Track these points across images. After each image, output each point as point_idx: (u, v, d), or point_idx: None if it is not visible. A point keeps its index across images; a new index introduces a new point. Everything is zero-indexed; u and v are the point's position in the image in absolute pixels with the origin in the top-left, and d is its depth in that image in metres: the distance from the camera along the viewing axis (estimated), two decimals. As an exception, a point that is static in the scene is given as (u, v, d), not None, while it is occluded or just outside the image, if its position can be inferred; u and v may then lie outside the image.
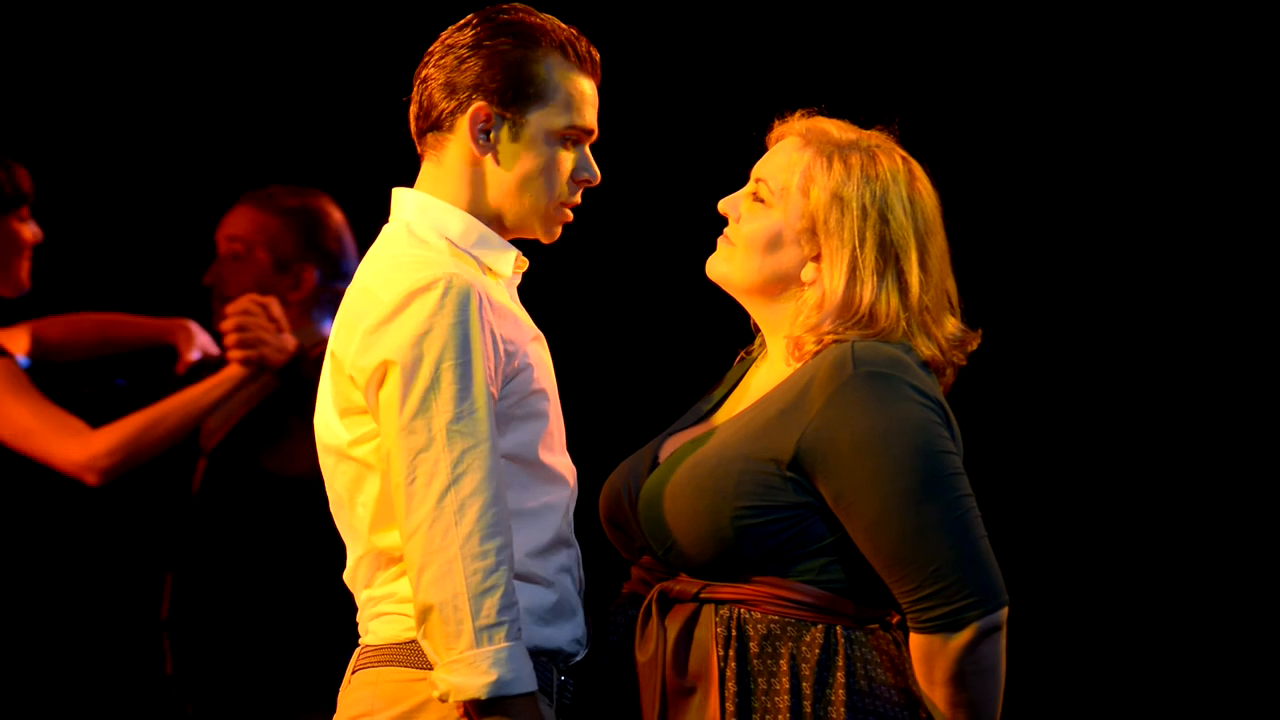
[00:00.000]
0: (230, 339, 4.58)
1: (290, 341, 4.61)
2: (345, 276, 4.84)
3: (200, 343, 4.92)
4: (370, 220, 3.29)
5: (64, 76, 5.65)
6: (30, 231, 4.66)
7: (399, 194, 3.13)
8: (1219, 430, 5.37)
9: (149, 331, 4.97)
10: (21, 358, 4.64)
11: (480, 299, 2.93)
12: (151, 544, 5.04)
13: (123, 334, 4.96)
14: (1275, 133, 5.30)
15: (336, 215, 4.88)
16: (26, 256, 4.66)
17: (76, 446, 4.47)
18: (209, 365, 4.81)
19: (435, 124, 3.08)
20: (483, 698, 2.85)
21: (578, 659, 3.11)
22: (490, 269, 3.09)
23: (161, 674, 4.85)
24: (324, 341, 4.79)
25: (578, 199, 3.12)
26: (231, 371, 4.57)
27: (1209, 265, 5.36)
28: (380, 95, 3.42)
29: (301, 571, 4.64)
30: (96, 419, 4.61)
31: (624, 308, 5.61)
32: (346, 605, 4.51)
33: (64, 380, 4.72)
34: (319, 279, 4.82)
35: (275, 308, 4.60)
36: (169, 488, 4.69)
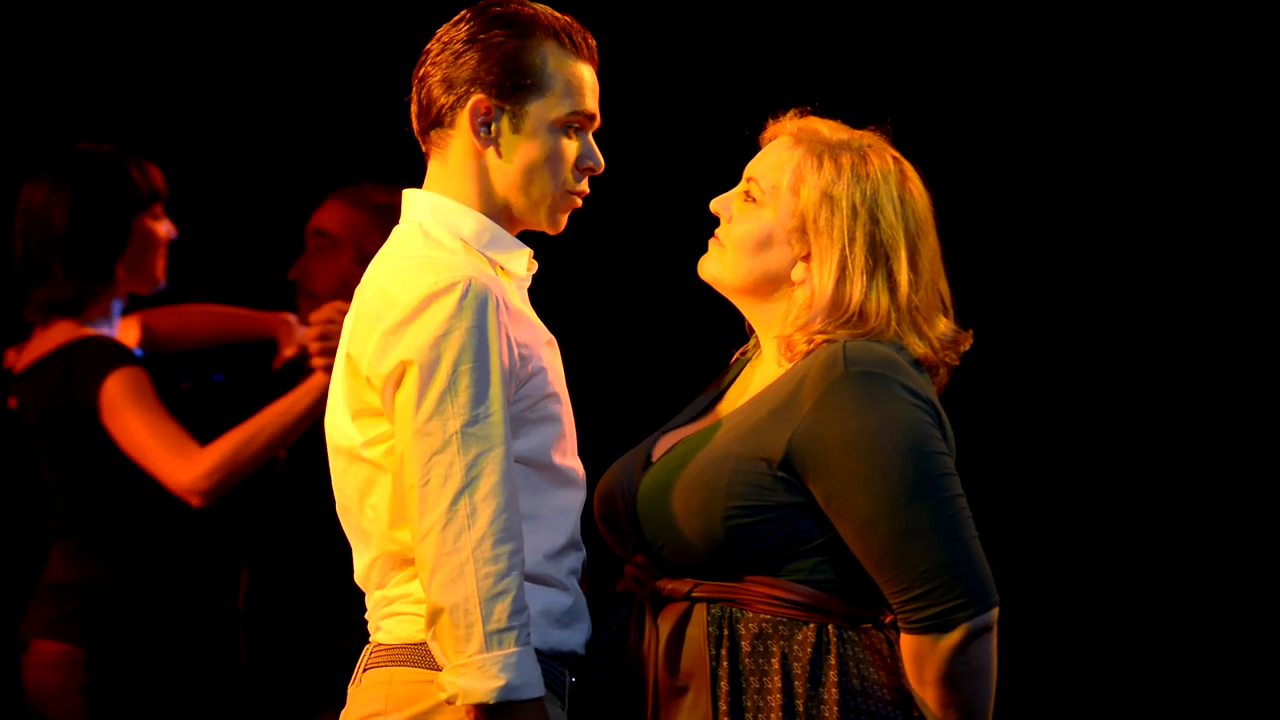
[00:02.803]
0: (314, 347, 4.54)
1: None
2: None
3: (299, 339, 4.92)
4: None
5: (155, 74, 5.67)
6: (164, 228, 4.69)
7: (410, 195, 3.13)
8: (1211, 430, 5.37)
9: (254, 325, 4.99)
10: (133, 350, 4.67)
11: (498, 302, 2.94)
12: (228, 536, 5.05)
13: (229, 326, 4.99)
14: (1272, 132, 5.30)
15: None
16: (161, 253, 4.69)
17: (182, 470, 4.50)
18: (305, 362, 4.80)
19: (436, 120, 3.08)
20: (491, 702, 2.85)
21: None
22: (504, 269, 3.09)
23: (237, 666, 4.86)
24: None
25: (585, 187, 3.12)
26: (317, 380, 4.55)
27: (1201, 265, 5.36)
28: (386, 98, 3.41)
29: None
30: (195, 414, 4.63)
31: (618, 308, 5.61)
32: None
33: (165, 374, 4.73)
34: None
35: None
36: (248, 479, 4.69)
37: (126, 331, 4.74)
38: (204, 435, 4.56)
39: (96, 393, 4.52)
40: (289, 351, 4.92)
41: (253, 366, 5.09)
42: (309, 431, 4.75)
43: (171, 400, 4.61)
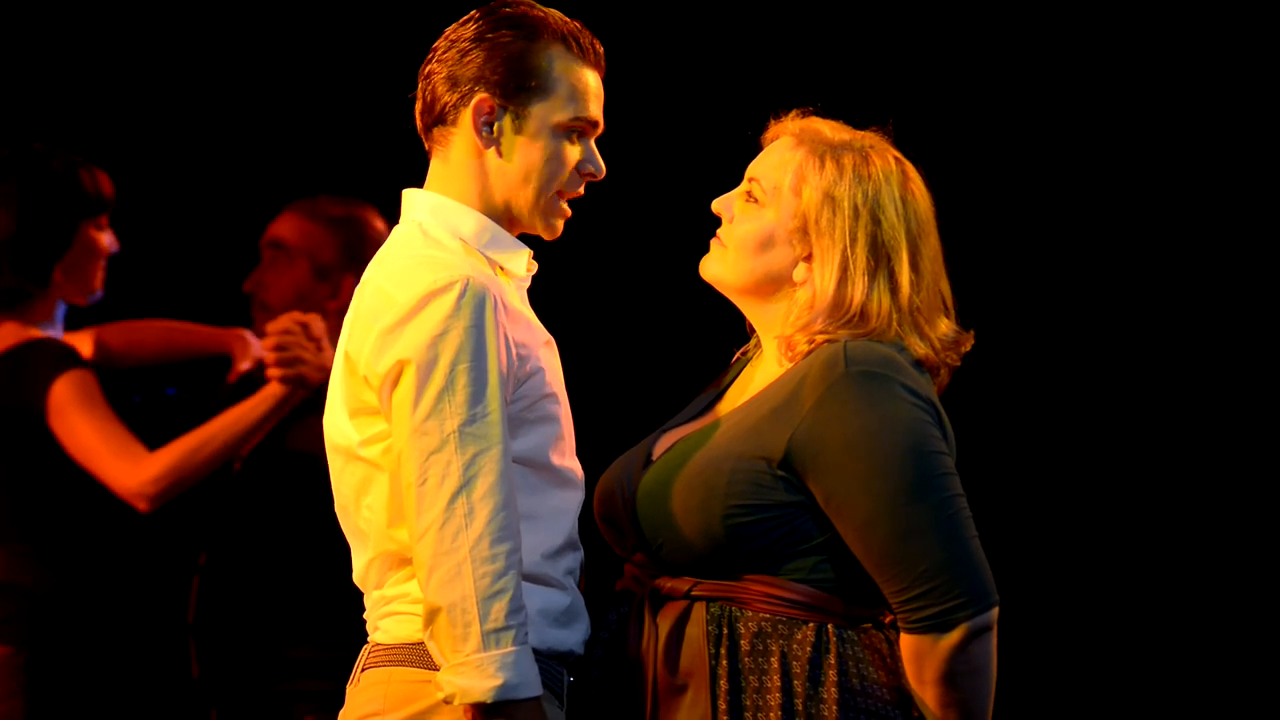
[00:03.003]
0: (270, 357, 4.55)
1: (330, 359, 4.59)
2: None
3: (254, 353, 4.92)
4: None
5: (114, 83, 5.67)
6: (107, 240, 4.68)
7: (410, 195, 3.13)
8: (1211, 431, 5.37)
9: (207, 340, 4.99)
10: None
11: (496, 302, 2.94)
12: (179, 547, 5.05)
13: (182, 342, 4.98)
14: (1275, 133, 5.30)
15: (380, 226, 4.88)
16: (101, 265, 4.68)
17: (129, 473, 4.49)
18: (259, 376, 4.80)
19: (440, 118, 3.08)
20: (488, 701, 2.85)
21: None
22: (504, 269, 3.09)
23: (187, 677, 4.86)
24: None
25: (580, 191, 3.13)
26: (272, 390, 4.56)
27: (1203, 266, 5.37)
28: (390, 95, 3.42)
29: (329, 575, 4.64)
30: (147, 427, 4.62)
31: (618, 308, 5.62)
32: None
33: (117, 389, 4.73)
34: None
35: (316, 326, 4.59)
36: (199, 489, 4.69)
37: (79, 347, 4.72)
38: (156, 448, 4.56)
39: (44, 395, 4.52)
40: (244, 365, 4.92)
41: (206, 380, 5.09)
42: (265, 442, 4.75)
43: (124, 413, 4.60)
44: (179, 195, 5.71)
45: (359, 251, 4.84)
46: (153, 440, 4.58)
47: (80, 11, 5.65)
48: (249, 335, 4.94)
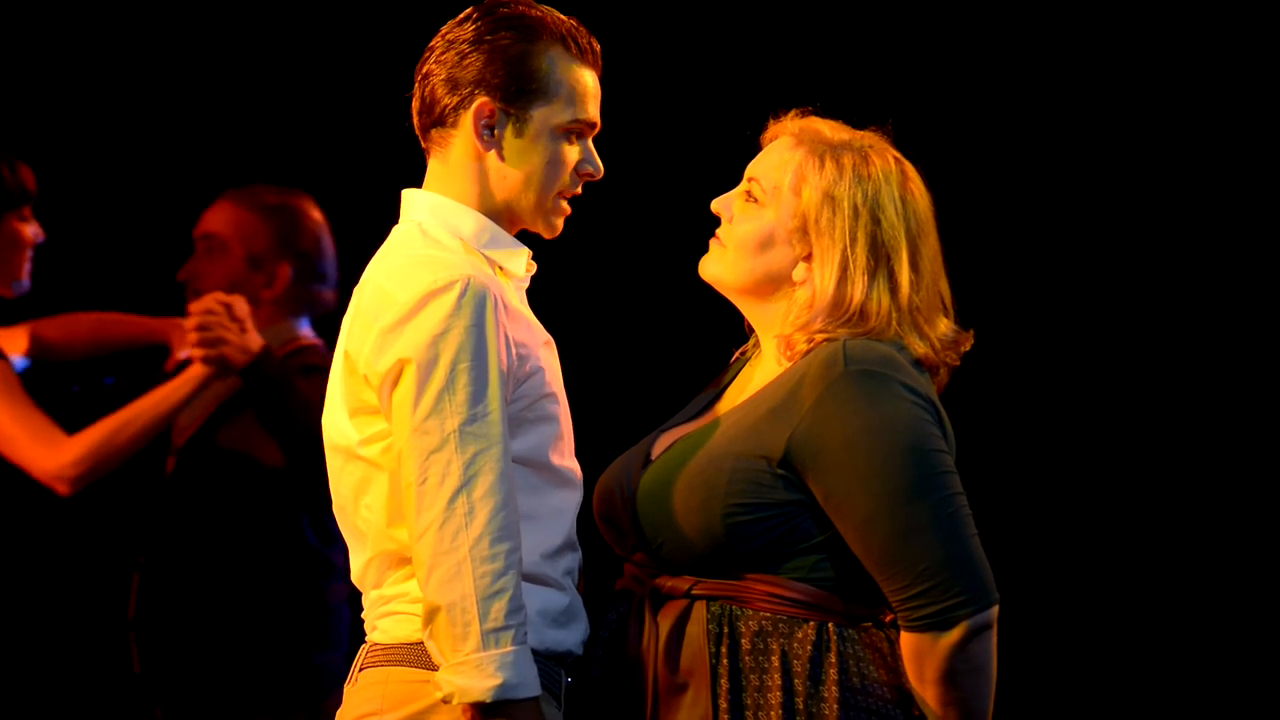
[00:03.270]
0: (192, 338, 4.56)
1: (254, 341, 4.57)
2: (321, 277, 4.85)
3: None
4: (363, 220, 3.29)
5: (52, 75, 5.65)
6: (31, 231, 4.67)
7: (409, 195, 3.13)
8: (1211, 430, 5.37)
9: (144, 331, 4.98)
10: (20, 359, 4.65)
11: (496, 301, 2.94)
12: (118, 542, 5.04)
13: (118, 333, 4.97)
14: (1275, 133, 5.30)
15: (316, 215, 4.87)
16: (27, 256, 4.68)
17: (47, 456, 4.49)
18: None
19: (439, 120, 3.08)
20: (488, 701, 2.85)
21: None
22: (503, 269, 3.09)
23: (129, 673, 4.85)
24: (296, 341, 4.81)
25: (578, 190, 3.13)
26: (194, 371, 4.56)
27: (1203, 266, 5.37)
28: (379, 94, 3.42)
29: (268, 570, 4.63)
30: (85, 417, 4.62)
31: (618, 308, 5.62)
32: (314, 603, 4.48)
33: (56, 379, 4.73)
34: (293, 278, 4.82)
35: (239, 307, 4.57)
36: (136, 484, 4.68)
37: (14, 342, 4.72)
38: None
39: None
40: (181, 354, 4.91)
41: (144, 369, 5.09)
42: (198, 435, 4.75)
43: (62, 402, 4.60)
44: (116, 186, 5.70)
45: (294, 239, 4.84)
46: None
47: None
48: (186, 324, 4.94)
